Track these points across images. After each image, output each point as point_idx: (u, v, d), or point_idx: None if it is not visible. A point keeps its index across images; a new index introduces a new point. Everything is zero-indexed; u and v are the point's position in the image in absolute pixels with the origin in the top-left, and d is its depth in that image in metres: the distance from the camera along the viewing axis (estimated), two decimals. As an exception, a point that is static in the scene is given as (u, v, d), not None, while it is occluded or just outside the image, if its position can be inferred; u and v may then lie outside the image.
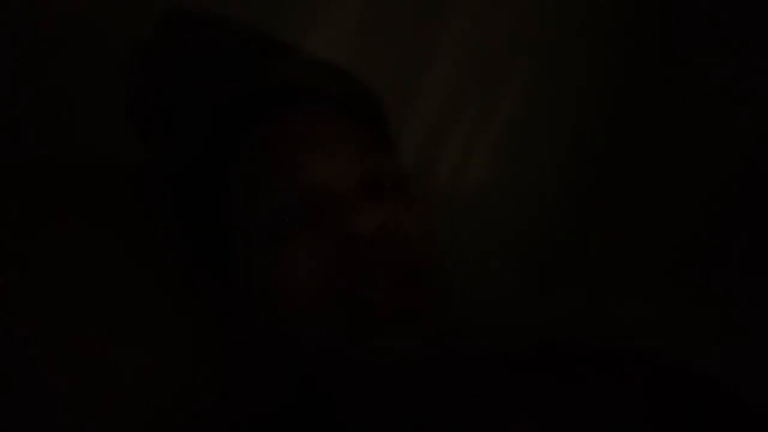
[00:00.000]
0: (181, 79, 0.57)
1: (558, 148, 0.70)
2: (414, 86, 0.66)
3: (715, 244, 0.68)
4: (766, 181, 0.66)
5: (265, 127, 0.45)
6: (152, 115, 0.57)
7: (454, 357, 0.44)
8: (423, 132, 0.68)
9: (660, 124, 0.69)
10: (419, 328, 0.39)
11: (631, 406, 0.42)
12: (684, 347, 0.50)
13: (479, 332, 0.57)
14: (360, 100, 0.50)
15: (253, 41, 0.57)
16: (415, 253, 0.42)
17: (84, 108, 0.55)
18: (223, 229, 0.45)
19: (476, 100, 0.68)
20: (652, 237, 0.70)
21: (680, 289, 0.66)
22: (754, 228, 0.67)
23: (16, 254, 0.45)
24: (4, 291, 0.44)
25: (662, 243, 0.70)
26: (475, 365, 0.46)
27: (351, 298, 0.39)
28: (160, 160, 0.56)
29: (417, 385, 0.42)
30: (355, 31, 0.61)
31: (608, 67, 0.69)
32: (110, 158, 0.54)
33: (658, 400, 0.42)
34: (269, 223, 0.42)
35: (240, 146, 0.45)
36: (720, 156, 0.68)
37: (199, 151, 0.47)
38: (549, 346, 0.48)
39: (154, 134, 0.57)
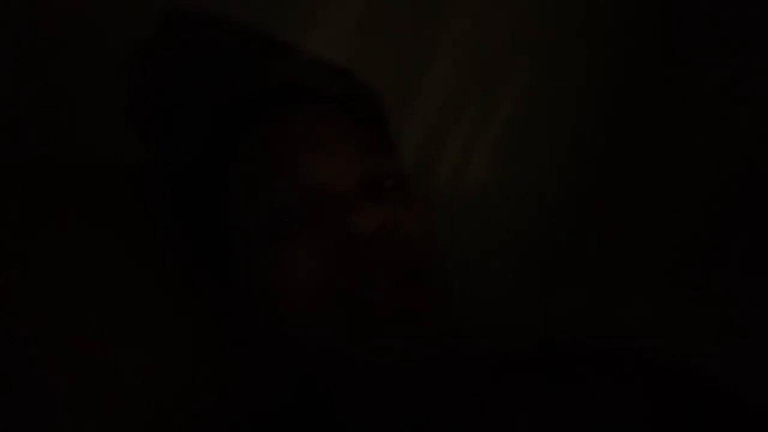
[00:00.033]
0: (181, 79, 0.57)
1: (558, 148, 0.70)
2: (414, 86, 0.66)
3: (715, 244, 0.68)
4: (766, 181, 0.66)
5: (265, 127, 0.45)
6: (152, 115, 0.57)
7: (454, 357, 0.44)
8: (423, 132, 0.68)
9: (660, 124, 0.69)
10: (419, 328, 0.39)
11: (631, 406, 0.42)
12: (684, 347, 0.50)
13: (479, 332, 0.57)
14: (360, 100, 0.50)
15: (253, 41, 0.57)
16: (415, 253, 0.42)
17: (84, 108, 0.55)
18: (223, 229, 0.45)
19: (476, 100, 0.68)
20: (652, 237, 0.70)
21: (680, 289, 0.66)
22: (754, 228, 0.67)
23: (16, 254, 0.45)
24: (4, 291, 0.44)
25: (662, 243, 0.70)
26: (475, 365, 0.46)
27: (351, 298, 0.39)
28: (160, 160, 0.56)
29: (417, 385, 0.42)
30: (355, 31, 0.61)
31: (608, 67, 0.69)
32: (110, 158, 0.54)
33: (658, 400, 0.42)
34: (269, 223, 0.42)
35: (240, 146, 0.45)
36: (720, 156, 0.68)
37: (199, 151, 0.47)
38: (549, 346, 0.48)
39: (154, 134, 0.57)
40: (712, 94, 0.67)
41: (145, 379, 0.45)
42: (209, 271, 0.47)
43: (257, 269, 0.42)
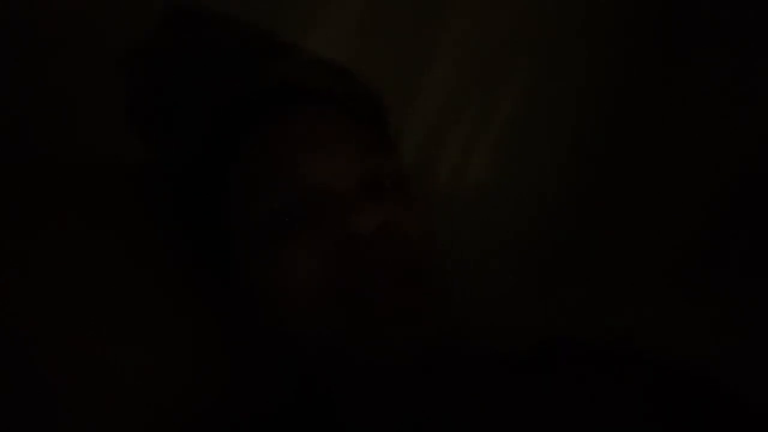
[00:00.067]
0: (181, 79, 0.57)
1: (558, 148, 0.70)
2: (414, 86, 0.66)
3: (715, 244, 0.68)
4: (766, 181, 0.66)
5: (265, 127, 0.45)
6: (152, 115, 0.57)
7: (454, 357, 0.44)
8: (423, 132, 0.68)
9: (660, 124, 0.69)
10: (419, 328, 0.39)
11: (631, 406, 0.42)
12: (684, 347, 0.50)
13: (479, 332, 0.57)
14: (360, 100, 0.50)
15: (253, 41, 0.57)
16: (415, 253, 0.42)
17: (84, 108, 0.55)
18: (223, 229, 0.45)
19: (476, 100, 0.68)
20: (652, 237, 0.70)
21: (680, 289, 0.66)
22: (754, 228, 0.67)
23: (16, 254, 0.45)
24: (4, 291, 0.44)
25: (662, 243, 0.70)
26: (475, 365, 0.46)
27: (351, 298, 0.39)
28: (160, 160, 0.56)
29: (417, 385, 0.42)
30: (355, 31, 0.61)
31: (608, 67, 0.69)
32: (110, 158, 0.54)
33: (658, 400, 0.42)
34: (269, 223, 0.42)
35: (240, 146, 0.45)
36: (720, 156, 0.68)
37: (199, 151, 0.47)
38: (549, 346, 0.48)
39: (154, 134, 0.57)
40: (712, 94, 0.67)
41: (145, 379, 0.45)
42: (209, 271, 0.47)
43: (257, 269, 0.42)
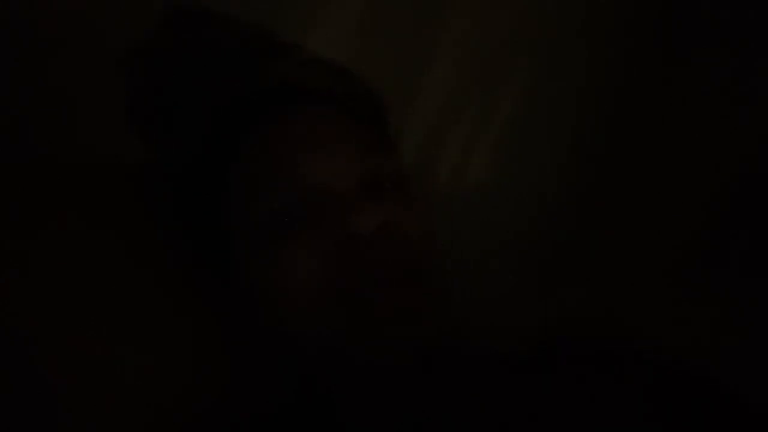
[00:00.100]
0: (181, 79, 0.57)
1: (558, 148, 0.70)
2: (414, 86, 0.66)
3: (715, 244, 0.68)
4: (766, 181, 0.66)
5: (265, 127, 0.45)
6: (152, 115, 0.57)
7: (454, 357, 0.44)
8: (423, 132, 0.68)
9: (660, 124, 0.69)
10: (419, 328, 0.39)
11: (631, 406, 0.42)
12: (684, 347, 0.50)
13: (479, 332, 0.57)
14: (360, 100, 0.50)
15: (253, 41, 0.57)
16: (415, 253, 0.42)
17: (84, 108, 0.55)
18: (223, 229, 0.45)
19: (476, 100, 0.68)
20: (652, 237, 0.70)
21: (680, 289, 0.66)
22: (754, 228, 0.67)
23: (16, 254, 0.45)
24: (4, 291, 0.44)
25: (662, 243, 0.70)
26: (475, 365, 0.46)
27: (351, 298, 0.39)
28: (160, 160, 0.56)
29: (417, 385, 0.42)
30: (355, 31, 0.61)
31: (608, 67, 0.69)
32: (110, 158, 0.54)
33: (658, 400, 0.42)
34: (269, 223, 0.42)
35: (240, 146, 0.45)
36: (720, 156, 0.68)
37: (199, 151, 0.47)
38: (549, 346, 0.48)
39: (154, 134, 0.57)
40: (712, 94, 0.67)
41: (145, 379, 0.45)
42: (209, 271, 0.47)
43: (257, 269, 0.42)
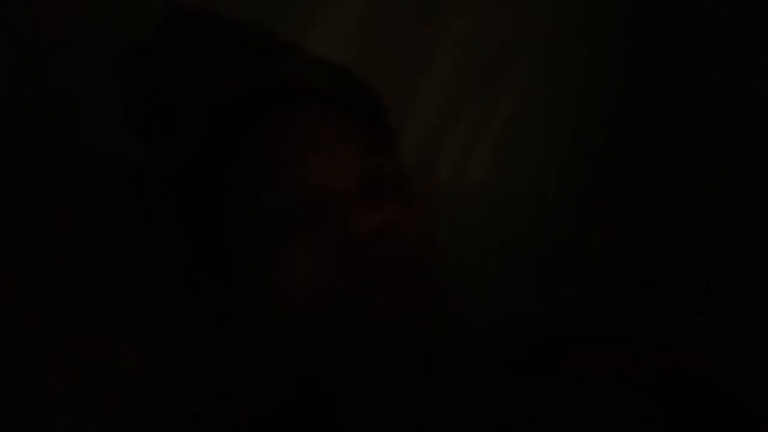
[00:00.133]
0: (181, 79, 0.57)
1: (558, 148, 0.70)
2: (414, 86, 0.66)
3: (715, 244, 0.68)
4: (766, 181, 0.66)
5: (265, 127, 0.45)
6: (152, 115, 0.57)
7: (454, 357, 0.44)
8: (423, 132, 0.68)
9: (660, 124, 0.69)
10: (419, 328, 0.39)
11: (631, 406, 0.42)
12: (684, 347, 0.50)
13: (479, 332, 0.57)
14: (360, 100, 0.50)
15: (253, 41, 0.57)
16: (415, 253, 0.42)
17: (84, 108, 0.55)
18: (223, 229, 0.45)
19: (476, 100, 0.68)
20: (652, 237, 0.70)
21: (680, 289, 0.66)
22: (754, 228, 0.67)
23: (16, 254, 0.45)
24: (4, 291, 0.44)
25: (662, 243, 0.70)
26: (475, 365, 0.46)
27: (351, 298, 0.39)
28: (160, 160, 0.56)
29: (417, 384, 0.42)
30: (355, 31, 0.61)
31: (608, 67, 0.69)
32: (110, 158, 0.54)
33: (658, 400, 0.42)
34: (269, 223, 0.42)
35: (240, 146, 0.45)
36: (720, 156, 0.68)
37: (199, 151, 0.47)
38: (549, 346, 0.48)
39: (154, 134, 0.57)
40: (712, 94, 0.67)
41: (145, 379, 0.45)
42: (209, 271, 0.47)
43: (257, 269, 0.42)
